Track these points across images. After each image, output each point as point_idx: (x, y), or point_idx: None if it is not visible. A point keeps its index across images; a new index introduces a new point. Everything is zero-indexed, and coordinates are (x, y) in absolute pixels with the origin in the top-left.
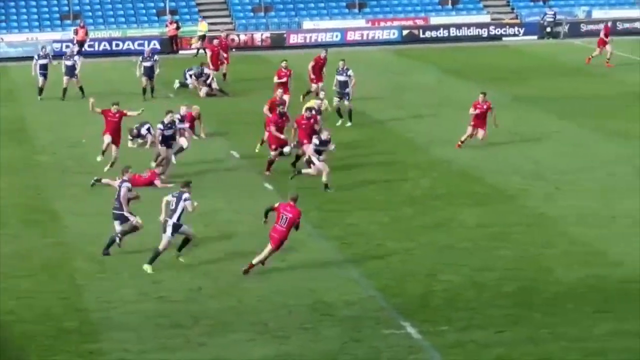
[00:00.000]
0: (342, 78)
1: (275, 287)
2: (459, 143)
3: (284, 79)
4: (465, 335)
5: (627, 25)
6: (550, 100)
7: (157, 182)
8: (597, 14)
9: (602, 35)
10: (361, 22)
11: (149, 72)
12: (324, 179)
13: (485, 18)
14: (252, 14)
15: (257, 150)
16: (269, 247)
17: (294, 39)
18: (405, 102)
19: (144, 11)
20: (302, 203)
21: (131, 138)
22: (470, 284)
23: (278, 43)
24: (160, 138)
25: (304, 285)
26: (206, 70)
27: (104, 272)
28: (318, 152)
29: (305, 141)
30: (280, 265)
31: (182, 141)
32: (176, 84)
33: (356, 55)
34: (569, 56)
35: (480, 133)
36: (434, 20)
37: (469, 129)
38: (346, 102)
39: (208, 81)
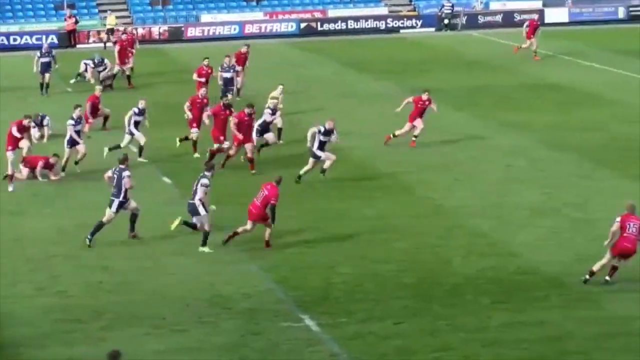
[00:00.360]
0: (228, 75)
1: (173, 281)
2: (391, 136)
3: (203, 79)
4: (364, 327)
5: (524, 16)
6: (449, 92)
7: (38, 169)
8: (494, 5)
9: (527, 29)
10: (259, 15)
11: (47, 68)
12: (326, 165)
13: (382, 10)
14: (149, 7)
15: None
16: (248, 223)
17: (191, 32)
18: (304, 95)
19: (41, 5)
20: None
21: (34, 126)
22: (369, 275)
23: (176, 36)
24: (74, 134)
25: (202, 279)
26: (106, 61)
27: (1, 268)
28: (322, 143)
29: (235, 143)
30: (179, 259)
31: (140, 137)
32: (74, 78)
33: (254, 48)
34: (467, 48)
35: (419, 126)
36: (332, 13)
37: (407, 125)
38: (230, 96)
39: (105, 72)
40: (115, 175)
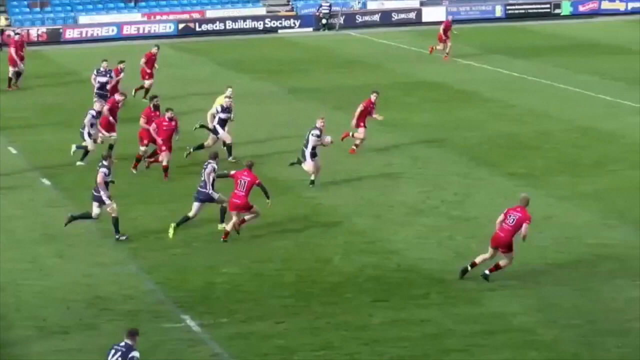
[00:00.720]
0: (103, 79)
1: (53, 282)
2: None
3: (119, 78)
4: (245, 327)
5: (402, 15)
6: (327, 91)
7: None
8: (372, 5)
9: (441, 30)
10: (137, 16)
11: None
12: (313, 176)
13: (261, 11)
14: (28, 9)
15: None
16: (233, 216)
17: (70, 34)
18: (182, 96)
19: None
20: (79, 197)
21: None
22: (250, 275)
23: (54, 38)
24: None
25: (82, 281)
26: None
27: None
28: (314, 147)
29: (164, 147)
30: (59, 260)
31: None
32: None
33: (133, 49)
34: (345, 47)
35: (361, 132)
36: (210, 13)
37: (361, 130)
38: (103, 104)
39: None
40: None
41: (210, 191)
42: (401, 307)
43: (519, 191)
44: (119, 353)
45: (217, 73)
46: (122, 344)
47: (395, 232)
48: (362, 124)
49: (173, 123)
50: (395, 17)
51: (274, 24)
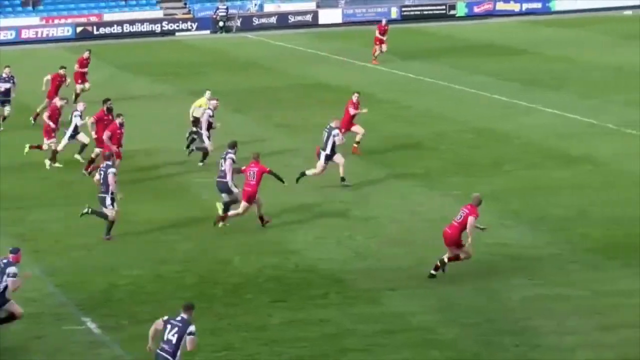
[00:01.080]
0: (7, 85)
1: None
2: (355, 147)
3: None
4: (146, 328)
5: (299, 18)
6: (225, 94)
7: None
8: (268, 7)
9: (377, 33)
10: (35, 19)
11: None
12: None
13: (158, 14)
14: None
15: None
16: (243, 203)
17: None
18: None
19: None
20: None
21: None
22: (152, 277)
23: None
24: None
25: None
26: None
27: None
28: (334, 144)
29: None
30: None
31: (83, 137)
32: None
33: (31, 53)
34: (242, 50)
35: (360, 131)
36: (108, 16)
37: (357, 129)
38: (7, 109)
39: None
40: (102, 172)
41: (230, 182)
42: (300, 307)
43: (416, 192)
44: (176, 329)
45: (115, 76)
46: (179, 318)
47: (294, 233)
48: (352, 123)
49: (123, 129)
50: (291, 19)
51: (171, 26)
